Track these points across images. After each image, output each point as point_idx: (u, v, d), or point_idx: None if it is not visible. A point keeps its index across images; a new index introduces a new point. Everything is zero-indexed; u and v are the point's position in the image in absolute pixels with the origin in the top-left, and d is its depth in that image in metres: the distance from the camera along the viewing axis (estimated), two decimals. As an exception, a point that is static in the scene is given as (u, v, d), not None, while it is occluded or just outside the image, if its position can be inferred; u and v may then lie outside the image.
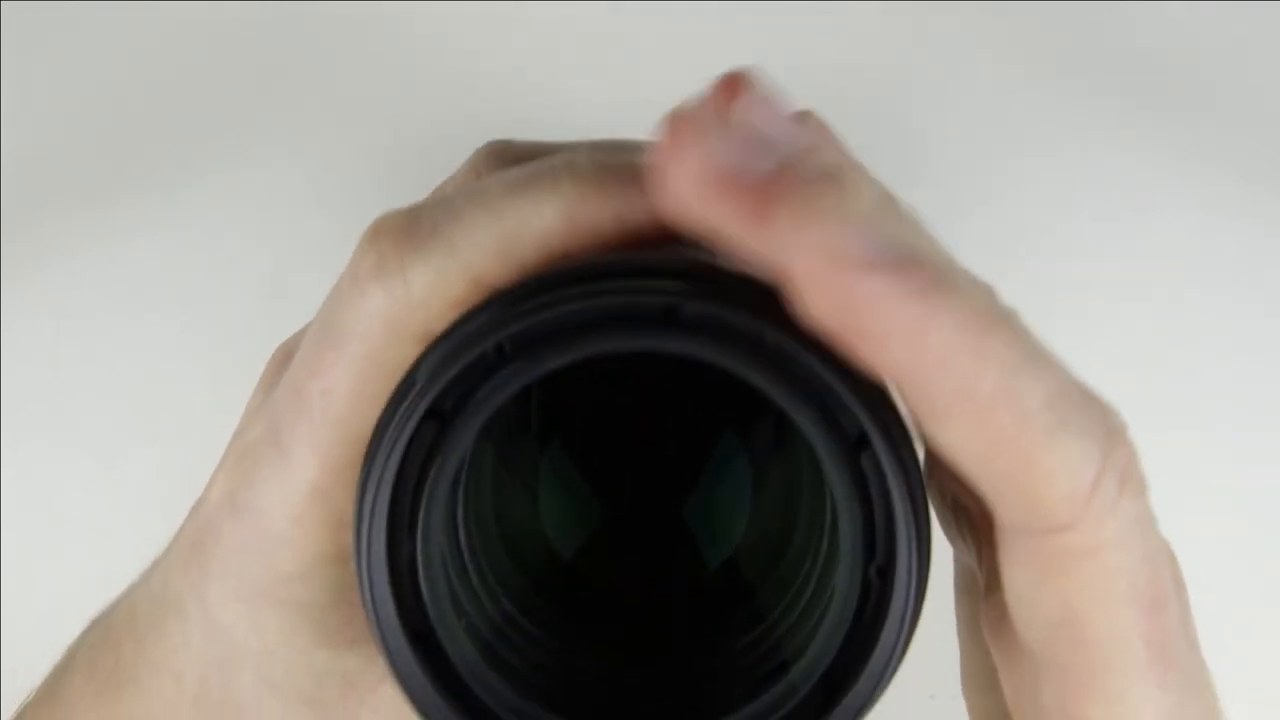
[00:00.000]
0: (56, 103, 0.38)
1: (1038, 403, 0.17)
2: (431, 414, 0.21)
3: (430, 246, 0.21)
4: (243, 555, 0.23)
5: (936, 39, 0.37)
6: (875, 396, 0.21)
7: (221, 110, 0.38)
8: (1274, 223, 0.38)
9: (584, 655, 0.26)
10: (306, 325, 0.27)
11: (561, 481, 0.30)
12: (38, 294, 0.38)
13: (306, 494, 0.23)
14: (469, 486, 0.25)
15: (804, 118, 0.21)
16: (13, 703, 0.39)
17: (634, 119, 0.36)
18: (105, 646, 0.26)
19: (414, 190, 0.33)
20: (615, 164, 0.22)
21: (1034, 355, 0.18)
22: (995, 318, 0.17)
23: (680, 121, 0.17)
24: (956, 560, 0.25)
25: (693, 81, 0.36)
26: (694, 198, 0.17)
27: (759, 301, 0.21)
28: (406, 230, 0.21)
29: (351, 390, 0.22)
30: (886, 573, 0.21)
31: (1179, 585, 0.20)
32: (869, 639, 0.21)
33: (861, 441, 0.21)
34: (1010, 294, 0.34)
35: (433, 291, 0.22)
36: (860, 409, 0.21)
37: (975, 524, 0.22)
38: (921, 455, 0.22)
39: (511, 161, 0.25)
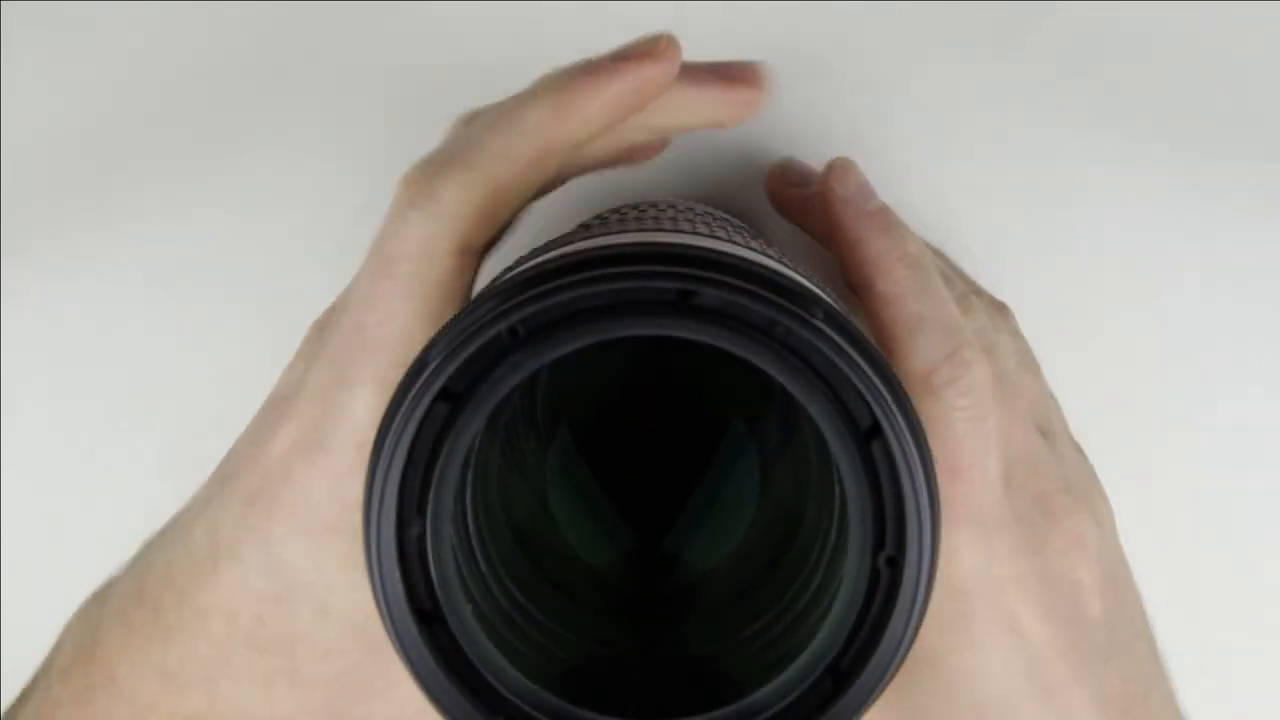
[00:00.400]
0: (56, 102, 0.38)
1: (913, 315, 0.27)
2: (444, 395, 0.21)
3: (450, 168, 0.25)
4: (310, 493, 0.26)
5: (937, 40, 0.37)
6: (887, 386, 0.21)
7: (222, 109, 0.38)
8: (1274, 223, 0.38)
9: (591, 642, 0.26)
10: (338, 299, 0.30)
11: (568, 471, 0.30)
12: (38, 294, 0.38)
13: (371, 424, 0.24)
14: (477, 475, 0.25)
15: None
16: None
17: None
18: (141, 603, 0.28)
19: None
20: (576, 65, 0.27)
21: (928, 290, 0.28)
22: (916, 263, 0.28)
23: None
24: None
25: None
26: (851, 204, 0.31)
27: (772, 290, 0.21)
28: (428, 164, 0.26)
29: (407, 311, 0.26)
30: (896, 562, 0.21)
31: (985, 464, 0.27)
32: (877, 628, 0.21)
33: (873, 431, 0.21)
34: (1011, 295, 0.35)
35: (460, 201, 0.25)
36: (872, 398, 0.21)
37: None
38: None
39: None
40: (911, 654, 0.22)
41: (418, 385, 0.21)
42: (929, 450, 0.21)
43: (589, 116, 0.26)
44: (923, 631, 0.22)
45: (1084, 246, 0.38)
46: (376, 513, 0.21)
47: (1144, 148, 0.37)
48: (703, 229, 0.26)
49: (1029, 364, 0.32)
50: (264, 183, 0.38)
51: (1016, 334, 0.32)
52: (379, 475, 0.21)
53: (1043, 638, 0.27)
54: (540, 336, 0.21)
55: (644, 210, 0.32)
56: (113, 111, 0.38)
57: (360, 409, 0.26)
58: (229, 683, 0.27)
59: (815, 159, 0.38)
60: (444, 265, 0.26)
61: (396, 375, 0.22)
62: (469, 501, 0.24)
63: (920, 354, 0.27)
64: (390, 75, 0.37)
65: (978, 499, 0.27)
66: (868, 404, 0.21)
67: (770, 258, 0.24)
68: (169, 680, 0.27)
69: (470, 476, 0.24)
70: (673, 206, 0.32)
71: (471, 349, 0.21)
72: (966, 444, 0.26)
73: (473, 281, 0.27)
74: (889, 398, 0.21)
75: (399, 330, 0.26)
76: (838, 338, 0.21)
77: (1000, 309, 0.33)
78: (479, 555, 0.25)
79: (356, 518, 0.24)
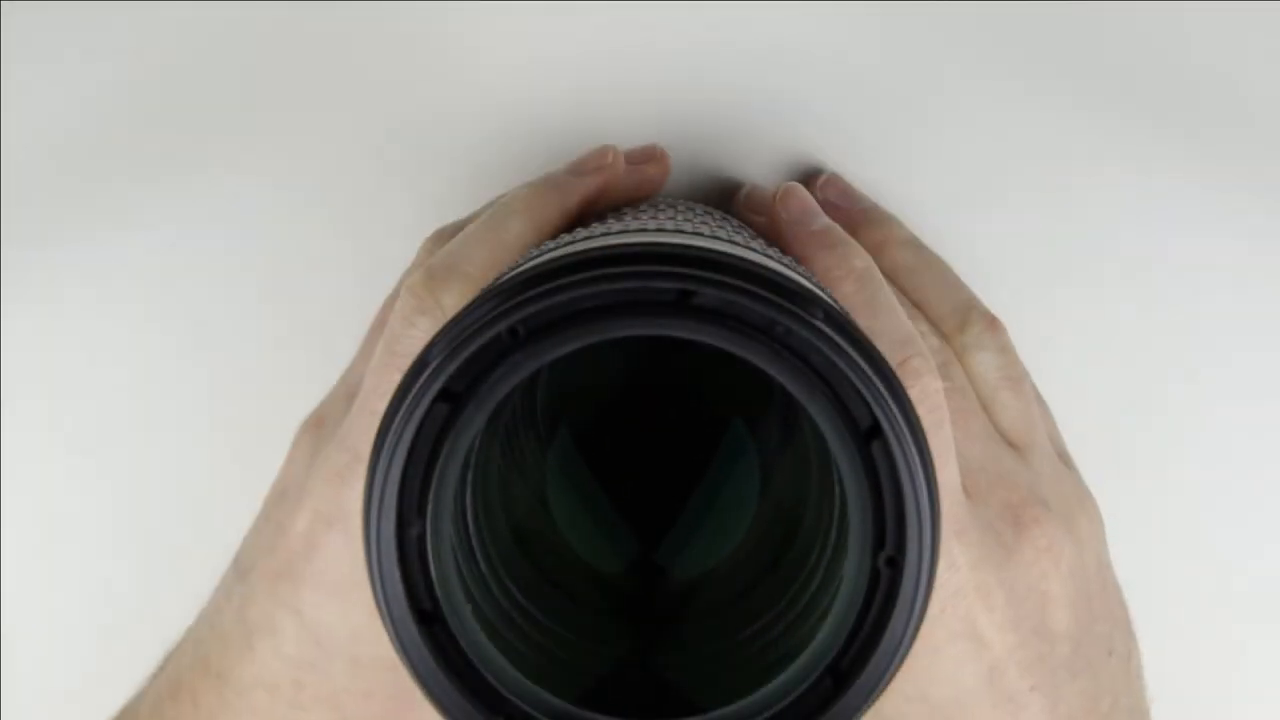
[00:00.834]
0: (56, 101, 0.38)
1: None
2: (444, 395, 0.21)
3: (451, 278, 0.28)
4: (335, 559, 0.28)
5: (937, 41, 0.37)
6: (887, 386, 0.21)
7: (222, 109, 0.38)
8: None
9: (591, 642, 0.26)
10: (327, 397, 0.32)
11: (568, 472, 0.30)
12: (37, 294, 0.38)
13: None
14: (477, 475, 0.25)
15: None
16: (13, 702, 0.39)
17: (634, 116, 0.37)
18: (177, 699, 0.30)
19: (422, 196, 0.33)
20: (544, 181, 0.32)
21: (875, 303, 0.29)
22: (861, 278, 0.30)
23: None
24: None
25: (690, 81, 0.36)
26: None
27: (772, 290, 0.21)
28: (428, 277, 0.28)
29: None
30: (896, 562, 0.21)
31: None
32: (877, 628, 0.21)
33: (873, 431, 0.21)
34: (1011, 295, 0.35)
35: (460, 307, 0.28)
36: (872, 398, 0.21)
37: None
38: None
39: (452, 234, 0.32)
40: None
41: (418, 385, 0.21)
42: (929, 450, 0.21)
43: (558, 222, 0.31)
44: None
45: (1083, 248, 0.38)
46: (376, 513, 0.21)
47: (1145, 147, 0.37)
48: (703, 229, 0.26)
49: (1012, 379, 0.32)
50: (264, 183, 0.38)
51: (1004, 350, 0.33)
52: (379, 475, 0.21)
53: (1004, 646, 0.28)
54: (540, 336, 0.21)
55: (643, 211, 0.32)
56: (112, 112, 0.38)
57: None
58: None
59: (814, 162, 0.38)
60: None
61: None
62: (469, 501, 0.24)
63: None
64: (391, 74, 0.37)
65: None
66: (867, 404, 0.21)
67: (770, 258, 0.24)
68: None
69: (470, 476, 0.24)
70: (672, 207, 0.32)
71: (472, 349, 0.21)
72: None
73: None
74: (889, 398, 0.21)
75: None
76: (837, 338, 0.21)
77: (991, 322, 0.33)
78: (479, 555, 0.25)
79: None
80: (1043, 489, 0.30)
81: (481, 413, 0.21)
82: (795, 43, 0.37)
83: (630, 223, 0.27)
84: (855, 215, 0.36)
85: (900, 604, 0.21)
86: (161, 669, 0.31)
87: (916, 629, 0.22)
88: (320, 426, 0.31)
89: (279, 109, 0.38)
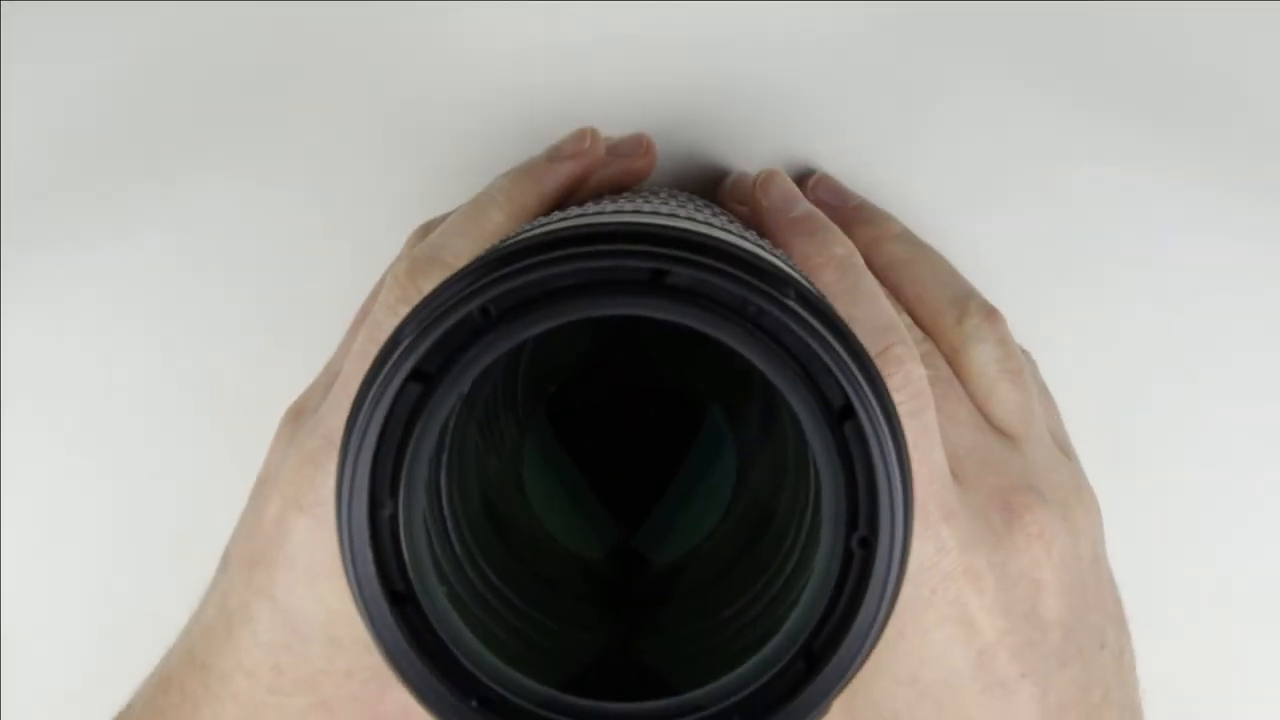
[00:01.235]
0: (56, 102, 0.38)
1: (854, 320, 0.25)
2: (416, 375, 0.21)
3: (429, 268, 0.28)
4: (306, 544, 0.28)
5: (937, 42, 0.37)
6: (860, 367, 0.21)
7: (223, 110, 0.38)
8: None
9: (567, 626, 0.26)
10: (309, 386, 0.32)
11: (546, 456, 0.30)
12: (37, 294, 0.38)
13: None
14: (452, 458, 0.25)
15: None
16: (13, 702, 0.39)
17: (625, 109, 0.37)
18: (167, 690, 0.30)
19: (414, 191, 0.33)
20: (523, 168, 0.32)
21: (856, 290, 0.29)
22: (842, 265, 0.30)
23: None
24: None
25: (681, 75, 0.36)
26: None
27: (745, 269, 0.21)
28: (412, 267, 0.29)
29: None
30: (869, 543, 0.21)
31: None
32: (850, 609, 0.21)
33: (846, 411, 0.21)
34: (1010, 294, 0.35)
35: None
36: (845, 379, 0.21)
37: None
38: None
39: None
40: None
41: (389, 365, 0.21)
42: (902, 431, 0.21)
43: (538, 209, 0.32)
44: None
45: (1084, 246, 0.38)
46: (348, 493, 0.21)
47: (1145, 147, 0.37)
48: (680, 212, 0.26)
49: (1011, 370, 0.32)
50: (264, 183, 0.38)
51: (1003, 341, 0.33)
52: (350, 455, 0.21)
53: (994, 631, 0.28)
54: (513, 316, 0.21)
55: (623, 197, 0.32)
56: (112, 112, 0.38)
57: None
58: None
59: (809, 155, 0.38)
60: None
61: None
62: (443, 483, 0.24)
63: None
64: (391, 74, 0.37)
65: (923, 490, 0.27)
66: (840, 384, 0.21)
67: (746, 240, 0.23)
68: None
69: (445, 458, 0.24)
70: (655, 195, 0.32)
71: (443, 328, 0.21)
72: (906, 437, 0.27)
73: None
74: (861, 378, 0.21)
75: None
76: (810, 318, 0.21)
77: (990, 314, 0.33)
78: (454, 538, 0.24)
79: None
80: (1036, 477, 0.30)
81: (453, 393, 0.21)
82: (792, 37, 0.37)
83: (607, 205, 0.27)
84: (848, 213, 0.36)
85: (873, 585, 0.21)
86: (157, 668, 0.32)
87: (890, 610, 0.21)
88: (300, 415, 0.31)
89: (272, 107, 0.38)
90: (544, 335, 0.21)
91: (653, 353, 0.29)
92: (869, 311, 0.28)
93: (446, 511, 0.24)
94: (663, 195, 0.32)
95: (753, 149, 0.37)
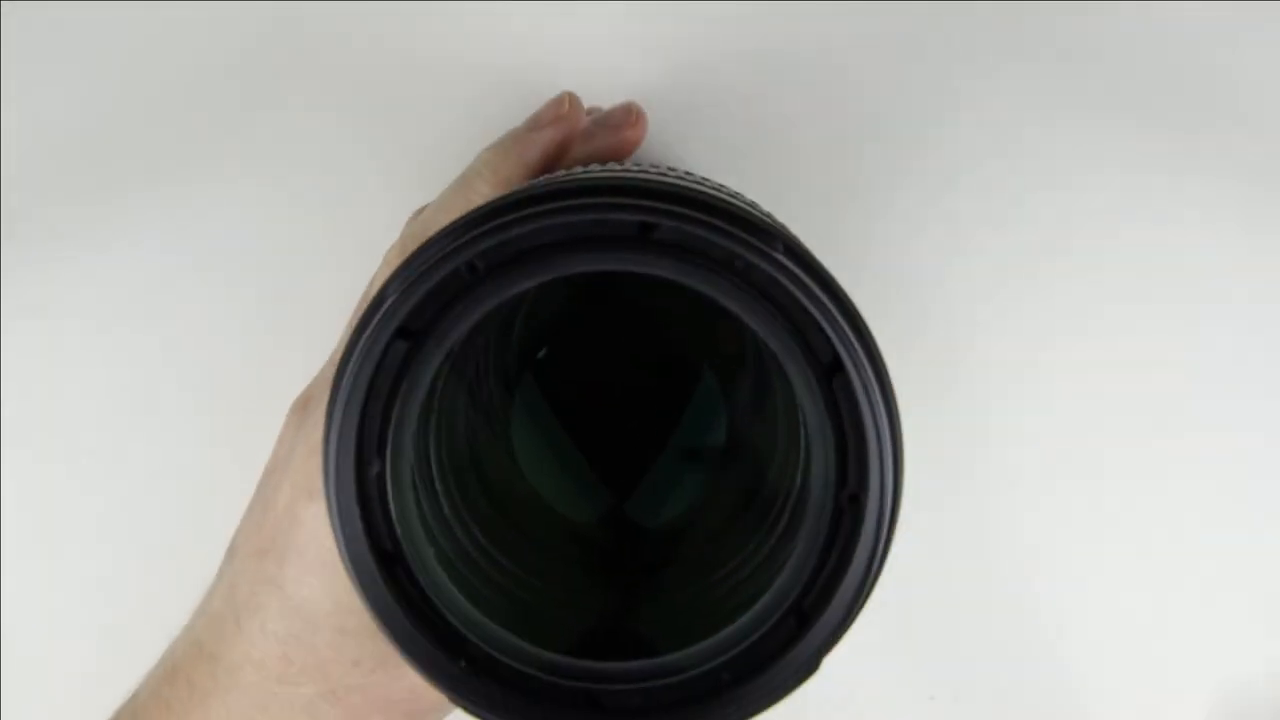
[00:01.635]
0: (56, 103, 0.37)
1: None
2: (402, 332, 0.21)
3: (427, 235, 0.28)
4: (316, 532, 0.28)
5: (935, 42, 0.36)
6: (849, 321, 0.21)
7: (223, 112, 0.37)
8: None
9: (556, 590, 0.26)
10: (316, 377, 0.31)
11: (536, 420, 0.30)
12: (38, 294, 0.38)
13: None
14: (441, 420, 0.25)
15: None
16: (13, 702, 0.39)
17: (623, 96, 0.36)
18: (174, 682, 0.30)
19: (416, 195, 0.33)
20: (506, 138, 0.32)
21: None
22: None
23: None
24: None
25: (685, 80, 0.36)
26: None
27: (732, 223, 0.21)
28: (403, 245, 0.29)
29: None
30: (858, 498, 0.21)
31: None
32: (840, 566, 0.21)
33: (834, 365, 0.21)
34: (1010, 294, 0.34)
35: None
36: (834, 333, 0.20)
37: None
38: None
39: None
40: None
41: (375, 322, 0.21)
42: (891, 385, 0.21)
43: (523, 178, 0.32)
44: None
45: (1083, 245, 0.38)
46: (335, 450, 0.21)
47: (1145, 147, 0.37)
48: (669, 174, 0.26)
49: None
50: (263, 182, 0.38)
51: None
52: (336, 412, 0.21)
53: None
54: (500, 271, 0.20)
55: (611, 164, 0.32)
56: (112, 111, 0.37)
57: None
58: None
59: (811, 158, 0.37)
60: None
61: None
62: (432, 446, 0.24)
63: None
64: (392, 74, 0.37)
65: None
66: (829, 339, 0.20)
67: (736, 199, 0.23)
68: None
69: (434, 420, 0.24)
70: (635, 163, 0.32)
71: (429, 284, 0.20)
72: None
73: None
74: (850, 332, 0.21)
75: None
76: (799, 271, 0.20)
77: None
78: (443, 500, 0.24)
79: None
80: None
81: (440, 350, 0.21)
82: (792, 40, 0.37)
83: (594, 168, 0.27)
84: None
85: (862, 541, 0.21)
86: (162, 659, 0.32)
87: (880, 566, 0.21)
88: (307, 405, 0.31)
89: (280, 109, 0.37)
90: (537, 296, 0.21)
91: (643, 315, 0.29)
92: None
93: (435, 473, 0.24)
94: (650, 162, 0.32)
95: (753, 148, 0.37)
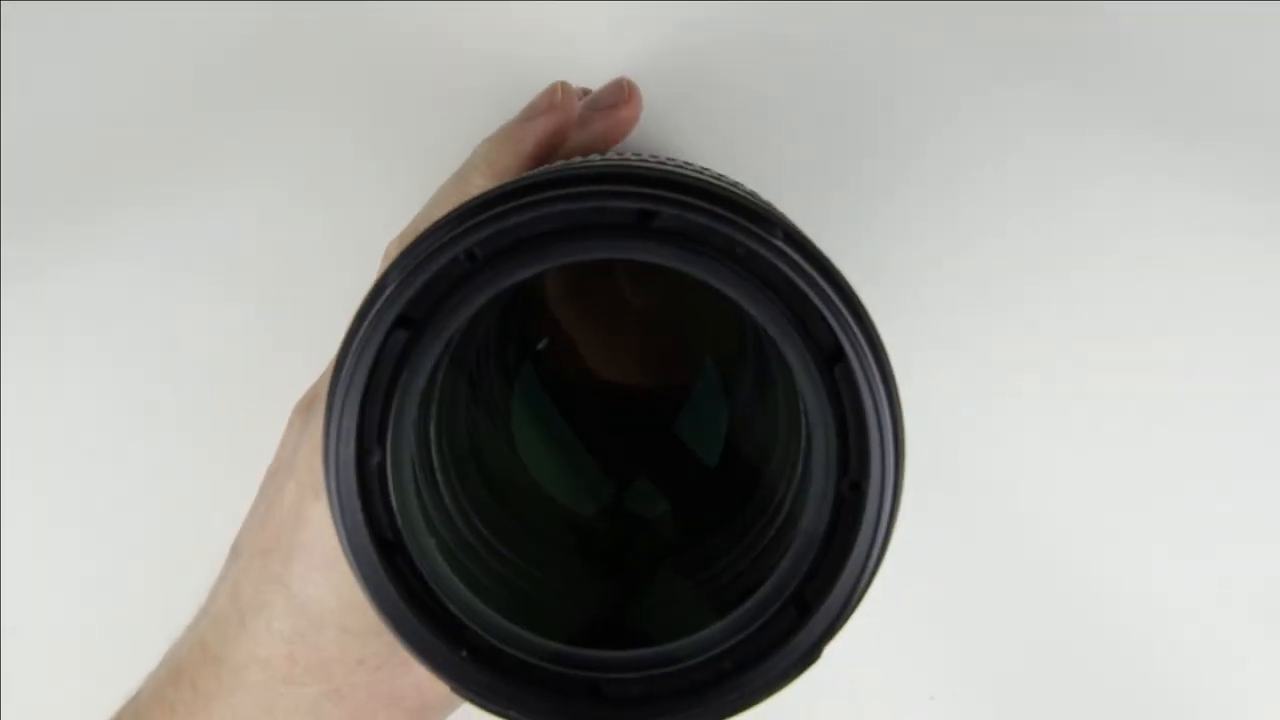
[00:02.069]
0: (56, 103, 0.37)
1: None
2: (401, 321, 0.21)
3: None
4: (322, 529, 0.27)
5: (934, 42, 0.36)
6: (850, 309, 0.21)
7: (223, 114, 0.37)
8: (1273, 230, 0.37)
9: (556, 580, 0.26)
10: (321, 377, 0.31)
11: (534, 411, 0.30)
12: (38, 294, 0.38)
13: None
14: (441, 410, 0.25)
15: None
16: (13, 702, 0.39)
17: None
18: (178, 683, 0.30)
19: (415, 195, 0.33)
20: (500, 131, 0.32)
21: None
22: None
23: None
24: None
25: (680, 75, 0.36)
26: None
27: (733, 210, 0.20)
28: (402, 242, 0.28)
29: None
30: (860, 486, 0.21)
31: None
32: (841, 555, 0.21)
33: (836, 354, 0.21)
34: (1011, 292, 0.34)
35: None
36: (835, 321, 0.20)
37: None
38: None
39: None
40: None
41: (375, 310, 0.21)
42: (892, 373, 0.21)
43: (519, 169, 0.31)
44: None
45: (1085, 244, 0.38)
46: (335, 439, 0.21)
47: (1145, 145, 0.37)
48: (668, 163, 0.26)
49: None
50: (263, 182, 0.38)
51: None
52: (337, 402, 0.21)
53: None
54: (499, 259, 0.20)
55: (607, 153, 0.32)
56: (112, 111, 0.37)
57: None
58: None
59: (812, 159, 0.37)
60: None
61: None
62: (432, 436, 0.24)
63: None
64: (389, 73, 0.37)
65: None
66: (830, 326, 0.20)
67: (736, 188, 0.23)
68: None
69: (434, 410, 0.24)
70: (634, 152, 0.32)
71: (429, 273, 0.20)
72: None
73: None
74: (852, 320, 0.21)
75: None
76: (800, 259, 0.20)
77: None
78: (443, 489, 0.24)
79: None
80: None
81: (441, 339, 0.21)
82: (791, 40, 0.37)
83: (592, 157, 0.27)
84: None
85: (863, 529, 0.21)
86: (164, 660, 0.31)
87: (881, 554, 0.21)
88: (312, 405, 0.31)
89: (281, 108, 0.37)
90: (533, 282, 0.21)
91: (644, 303, 0.29)
92: None
93: (436, 463, 0.24)
94: (648, 151, 0.32)
95: (753, 149, 0.37)
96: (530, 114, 0.32)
